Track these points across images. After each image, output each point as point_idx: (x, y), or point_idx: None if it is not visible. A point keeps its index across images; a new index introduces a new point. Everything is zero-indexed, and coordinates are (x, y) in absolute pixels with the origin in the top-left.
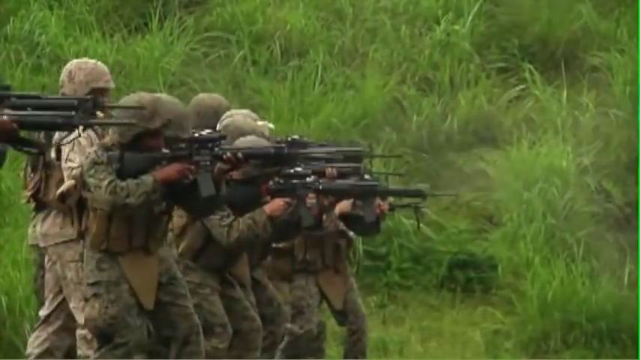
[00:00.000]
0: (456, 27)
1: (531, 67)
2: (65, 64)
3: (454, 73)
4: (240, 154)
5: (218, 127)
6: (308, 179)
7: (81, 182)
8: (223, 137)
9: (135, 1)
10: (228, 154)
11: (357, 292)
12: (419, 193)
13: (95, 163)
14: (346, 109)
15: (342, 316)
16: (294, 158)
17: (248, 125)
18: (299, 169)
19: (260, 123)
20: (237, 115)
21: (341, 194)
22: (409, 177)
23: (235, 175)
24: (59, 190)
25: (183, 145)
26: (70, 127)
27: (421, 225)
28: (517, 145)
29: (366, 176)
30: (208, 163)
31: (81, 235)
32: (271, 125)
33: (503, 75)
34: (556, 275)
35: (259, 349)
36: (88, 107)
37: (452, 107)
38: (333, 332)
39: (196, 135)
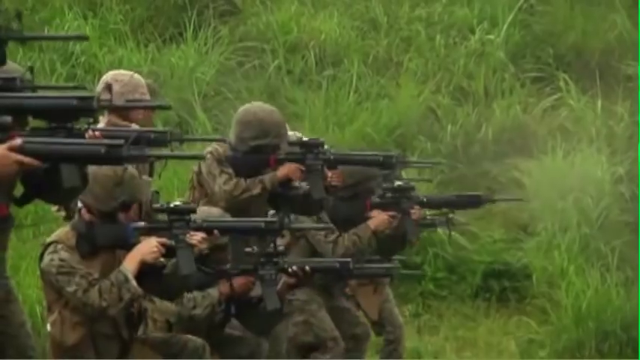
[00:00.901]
0: (491, 36)
1: (566, 76)
2: (100, 73)
3: (489, 83)
4: (307, 268)
5: None
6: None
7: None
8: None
9: (169, 10)
10: (295, 267)
11: (394, 302)
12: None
13: None
14: (381, 118)
15: (379, 326)
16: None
17: None
18: (401, 182)
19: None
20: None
21: (445, 206)
22: (444, 186)
23: (338, 189)
24: None
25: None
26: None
27: (456, 234)
28: (552, 154)
29: (397, 183)
30: (273, 277)
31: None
32: (299, 135)
33: (537, 84)
34: (591, 284)
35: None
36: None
37: (486, 117)
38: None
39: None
